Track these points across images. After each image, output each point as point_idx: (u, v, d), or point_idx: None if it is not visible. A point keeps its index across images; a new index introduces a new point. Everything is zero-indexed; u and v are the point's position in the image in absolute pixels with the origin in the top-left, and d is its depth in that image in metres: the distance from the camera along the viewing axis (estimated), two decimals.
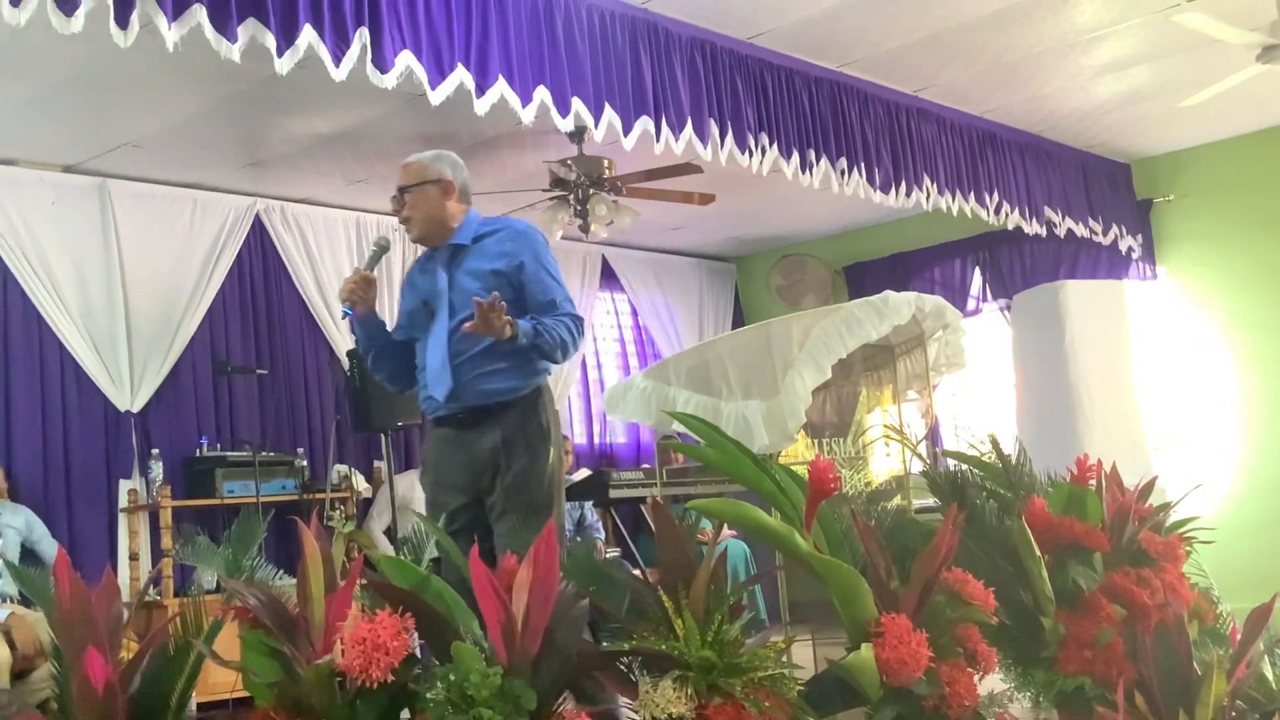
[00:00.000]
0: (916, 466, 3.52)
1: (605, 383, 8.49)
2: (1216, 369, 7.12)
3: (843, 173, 5.34)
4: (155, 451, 6.04)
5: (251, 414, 6.57)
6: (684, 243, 8.84)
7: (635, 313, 8.85)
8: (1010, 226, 6.47)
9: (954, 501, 2.80)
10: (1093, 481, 3.08)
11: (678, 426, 2.86)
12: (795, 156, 5.10)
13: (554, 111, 4.22)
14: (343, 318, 3.50)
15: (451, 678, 1.79)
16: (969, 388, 7.67)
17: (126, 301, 6.12)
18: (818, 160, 5.20)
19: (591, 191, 6.19)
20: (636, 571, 2.43)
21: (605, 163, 6.10)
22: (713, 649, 2.00)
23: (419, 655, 1.95)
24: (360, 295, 3.46)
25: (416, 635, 1.91)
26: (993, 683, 2.59)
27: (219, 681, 4.80)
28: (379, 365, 3.62)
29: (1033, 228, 6.56)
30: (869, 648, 2.19)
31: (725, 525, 2.51)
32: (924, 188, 5.78)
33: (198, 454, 6.20)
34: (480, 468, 3.39)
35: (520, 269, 3.46)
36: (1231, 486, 6.84)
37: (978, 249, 8.12)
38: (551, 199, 6.36)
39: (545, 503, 3.37)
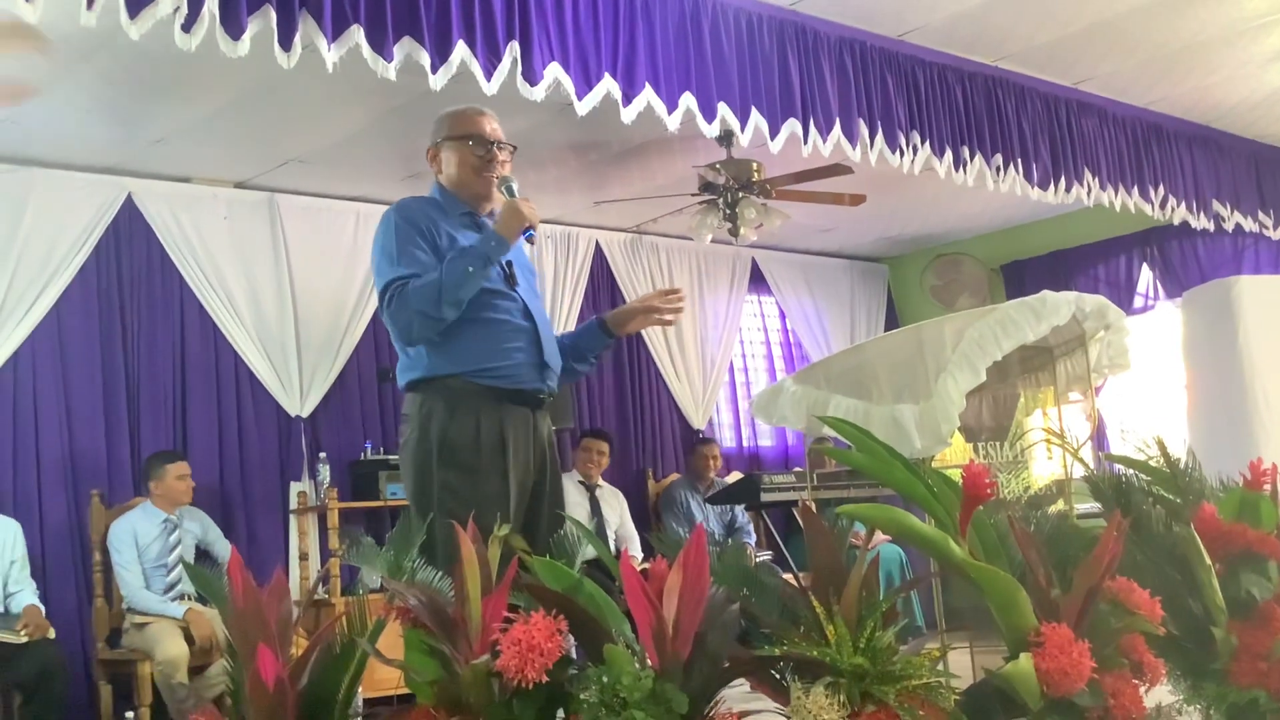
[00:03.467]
0: (1079, 471, 3.42)
1: (751, 386, 8.49)
2: None
3: (998, 170, 5.22)
4: (323, 455, 6.27)
5: None
6: (835, 244, 8.76)
7: (783, 315, 8.80)
8: (1176, 221, 6.23)
9: (1118, 507, 2.72)
10: (1267, 486, 2.95)
11: (828, 430, 2.83)
12: (948, 155, 5.01)
13: (700, 117, 4.23)
14: (529, 240, 3.19)
15: (604, 680, 1.81)
16: (1139, 389, 7.40)
17: (296, 311, 6.37)
18: (971, 158, 5.10)
19: (741, 195, 6.19)
20: (788, 576, 2.42)
21: (754, 165, 6.09)
22: (865, 655, 1.98)
23: (574, 656, 1.98)
24: None
25: (571, 636, 1.94)
26: (1160, 695, 2.51)
27: (383, 678, 4.97)
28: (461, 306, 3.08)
29: (1200, 222, 6.30)
30: (1029, 657, 2.13)
31: (879, 530, 2.48)
32: (1085, 183, 5.61)
33: (362, 458, 6.41)
34: (541, 456, 3.20)
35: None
36: None
37: (1145, 244, 7.84)
38: (701, 203, 6.38)
39: None
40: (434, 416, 3.09)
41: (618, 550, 6.33)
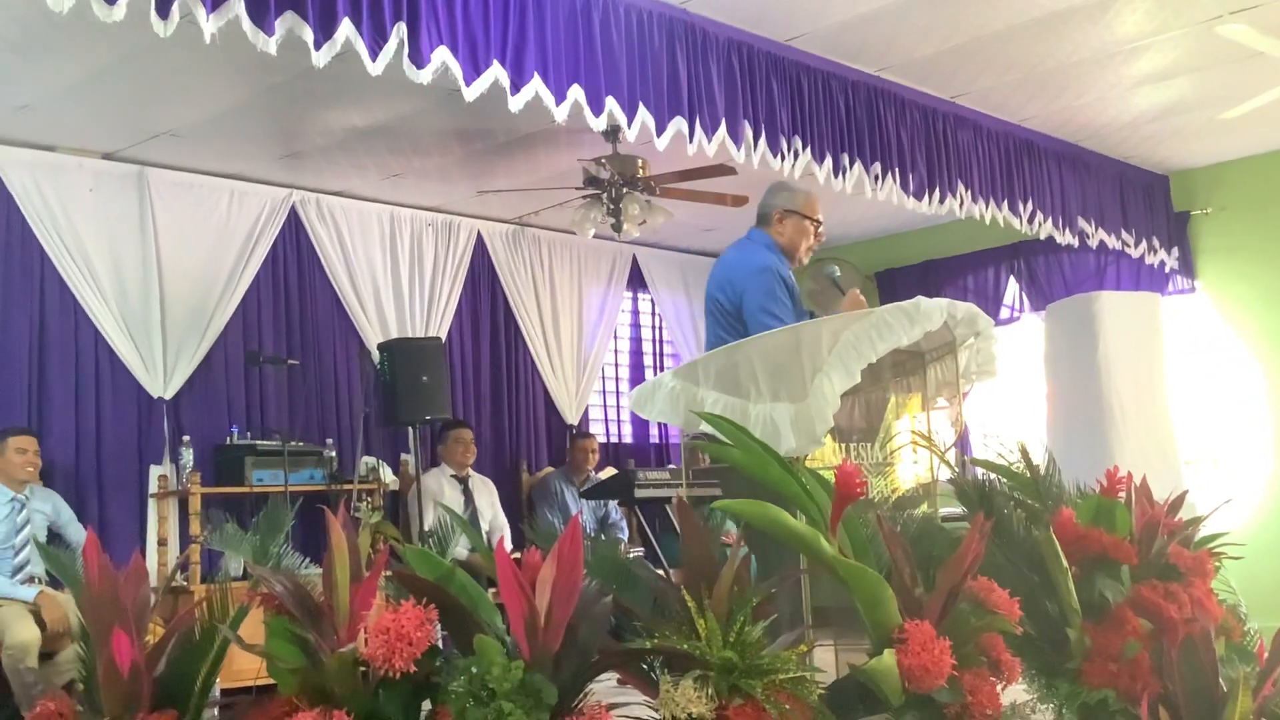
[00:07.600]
0: (944, 474, 3.50)
1: (621, 381, 8.54)
2: (1250, 384, 7.04)
3: (876, 178, 5.31)
4: (186, 438, 6.09)
5: (281, 404, 6.62)
6: (716, 244, 8.80)
7: (654, 312, 8.86)
8: (1043, 236, 6.43)
9: (981, 510, 2.79)
10: (1122, 494, 3.06)
11: (705, 427, 2.85)
12: (828, 160, 5.08)
13: (587, 110, 4.22)
14: None
15: (473, 670, 1.79)
16: (1001, 396, 7.62)
17: (162, 289, 6.17)
18: (851, 165, 5.18)
19: (625, 191, 6.19)
20: (660, 571, 2.43)
21: (639, 162, 6.10)
22: (734, 650, 2.00)
23: (441, 647, 1.95)
24: None
25: (440, 627, 1.92)
26: (1016, 693, 2.58)
27: (243, 668, 4.82)
28: None
29: (1065, 238, 6.51)
30: (891, 654, 2.18)
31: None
32: (958, 194, 5.74)
33: (228, 442, 6.24)
34: None
35: None
36: (1262, 503, 6.77)
37: (1013, 258, 8.07)
38: (584, 197, 6.36)
39: None
40: None
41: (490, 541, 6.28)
